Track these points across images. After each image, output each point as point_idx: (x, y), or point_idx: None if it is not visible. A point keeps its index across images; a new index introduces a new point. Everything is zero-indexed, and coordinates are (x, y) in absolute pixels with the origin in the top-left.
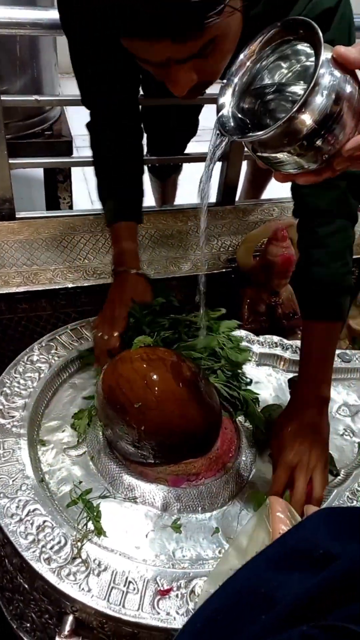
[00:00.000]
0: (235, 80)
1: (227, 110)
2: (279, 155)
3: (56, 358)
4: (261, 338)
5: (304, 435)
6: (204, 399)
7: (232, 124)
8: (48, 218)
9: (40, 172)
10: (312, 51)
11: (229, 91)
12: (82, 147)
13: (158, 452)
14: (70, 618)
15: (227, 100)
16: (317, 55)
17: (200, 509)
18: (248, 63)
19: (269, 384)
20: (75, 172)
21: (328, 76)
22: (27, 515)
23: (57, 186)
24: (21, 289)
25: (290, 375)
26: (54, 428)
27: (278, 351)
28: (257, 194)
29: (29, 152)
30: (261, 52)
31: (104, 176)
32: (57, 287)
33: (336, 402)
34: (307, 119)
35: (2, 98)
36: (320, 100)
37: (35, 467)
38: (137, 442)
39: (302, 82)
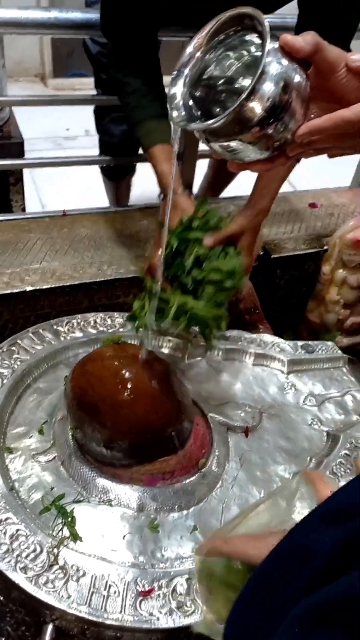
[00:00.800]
0: (186, 71)
1: (178, 101)
2: (232, 144)
3: (19, 363)
4: (226, 333)
5: None
6: (175, 396)
7: (183, 114)
8: (2, 221)
9: None
10: (260, 41)
11: (180, 82)
12: (35, 150)
13: (131, 451)
14: (50, 627)
15: (179, 90)
16: (264, 44)
17: (177, 507)
18: (198, 54)
19: (235, 378)
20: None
21: (276, 65)
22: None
23: (8, 189)
24: None
25: (258, 368)
26: (20, 434)
27: (243, 346)
28: (215, 194)
29: None
30: (210, 43)
31: (135, 103)
32: (15, 290)
33: (302, 393)
34: (256, 107)
35: None
36: (268, 88)
37: (4, 476)
38: (109, 442)
39: (251, 71)
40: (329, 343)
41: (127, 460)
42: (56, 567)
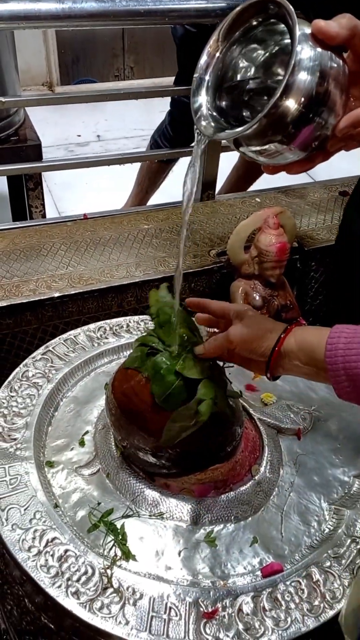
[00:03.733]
0: (207, 77)
1: (204, 110)
2: (266, 147)
3: (54, 371)
4: None
5: None
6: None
7: (212, 123)
8: (23, 228)
9: (1, 183)
10: (288, 30)
11: (203, 90)
12: (48, 158)
13: (180, 459)
14: None
15: (203, 100)
16: (293, 33)
17: (233, 518)
18: (217, 54)
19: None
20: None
21: (309, 54)
22: (45, 546)
23: (27, 195)
24: (3, 303)
25: None
26: (61, 447)
27: None
28: (245, 186)
29: None
30: (228, 40)
31: None
32: (42, 297)
33: None
34: (291, 105)
35: None
36: (303, 82)
37: (47, 492)
38: (157, 451)
39: (281, 65)
40: None
41: (177, 469)
42: (110, 590)
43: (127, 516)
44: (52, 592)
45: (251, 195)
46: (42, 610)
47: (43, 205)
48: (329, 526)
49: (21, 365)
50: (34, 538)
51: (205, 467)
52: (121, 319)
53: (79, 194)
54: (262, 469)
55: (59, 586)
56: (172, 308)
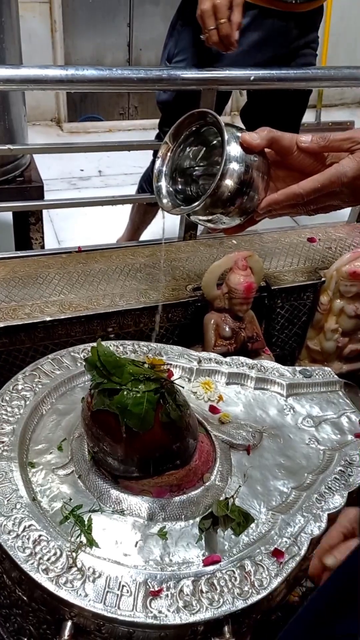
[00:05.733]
0: (164, 169)
1: (164, 192)
2: (211, 217)
3: (40, 386)
4: (228, 359)
5: None
6: (185, 413)
7: (169, 202)
8: (23, 257)
9: (7, 215)
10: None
11: (162, 177)
12: (51, 190)
13: (142, 466)
14: (69, 624)
15: (163, 184)
16: (223, 139)
17: (183, 516)
18: (169, 154)
19: (238, 400)
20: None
21: (237, 151)
22: (23, 531)
23: (29, 228)
24: (0, 324)
25: (259, 391)
26: (41, 451)
27: (245, 370)
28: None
29: (2, 197)
30: (176, 141)
31: None
32: (35, 321)
33: (301, 415)
34: (226, 188)
35: None
36: (232, 174)
37: (27, 487)
38: (122, 457)
39: (218, 160)
40: (326, 368)
41: (139, 474)
42: (74, 569)
43: (93, 511)
44: (26, 567)
45: (229, 237)
46: (17, 584)
47: (42, 237)
48: (265, 528)
49: (12, 379)
50: (13, 524)
51: (162, 472)
52: (103, 342)
53: (78, 224)
54: (212, 477)
55: (32, 563)
56: (115, 355)
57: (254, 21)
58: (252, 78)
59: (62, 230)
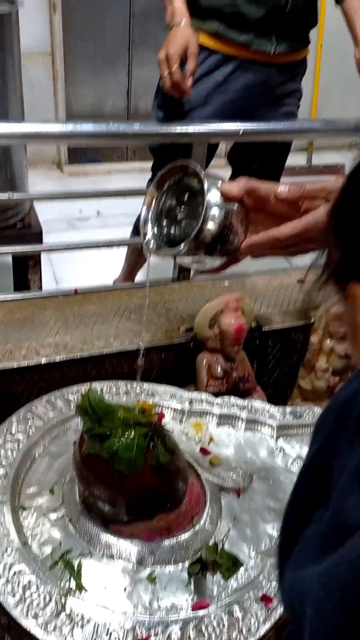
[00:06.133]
0: (149, 215)
1: (150, 236)
2: (195, 258)
3: (33, 429)
4: (219, 400)
5: None
6: (175, 457)
7: (155, 246)
8: (21, 300)
9: (7, 257)
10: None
11: (149, 224)
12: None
13: (131, 509)
14: None
15: (149, 228)
16: (203, 189)
17: (172, 560)
18: (154, 202)
19: (229, 442)
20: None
21: (217, 201)
22: (13, 575)
23: (27, 270)
24: None
25: (249, 433)
26: (34, 494)
27: (235, 411)
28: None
29: (2, 241)
30: (160, 190)
31: None
32: (30, 364)
33: (290, 456)
34: (207, 232)
35: None
36: (213, 220)
37: (18, 531)
38: (113, 501)
39: (200, 209)
40: (316, 408)
41: (128, 517)
42: (63, 614)
43: (83, 555)
44: (15, 613)
45: (222, 278)
46: (5, 630)
47: (40, 279)
48: (254, 572)
49: (6, 422)
50: (4, 569)
51: (152, 516)
52: (96, 383)
53: (76, 264)
54: (202, 520)
55: (21, 610)
56: (105, 400)
57: (236, 71)
58: (241, 132)
59: (61, 270)
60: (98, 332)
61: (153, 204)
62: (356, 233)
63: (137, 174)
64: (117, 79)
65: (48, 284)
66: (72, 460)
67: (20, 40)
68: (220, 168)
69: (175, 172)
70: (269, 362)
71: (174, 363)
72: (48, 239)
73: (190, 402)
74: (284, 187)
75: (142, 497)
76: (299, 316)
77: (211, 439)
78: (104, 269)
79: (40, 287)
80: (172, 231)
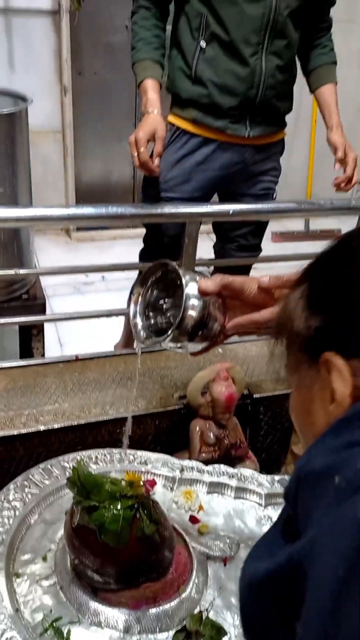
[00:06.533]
0: (138, 308)
1: (139, 326)
2: (180, 344)
3: (30, 496)
4: (210, 468)
5: None
6: (163, 528)
7: (143, 334)
8: (23, 367)
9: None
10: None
11: (138, 316)
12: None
13: (118, 578)
14: None
15: (137, 320)
16: (182, 284)
17: (158, 629)
18: (140, 297)
19: (218, 510)
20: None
21: (194, 291)
22: None
23: (31, 338)
24: None
25: (238, 501)
26: (27, 561)
27: (225, 479)
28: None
29: (8, 312)
30: (144, 286)
31: (139, 45)
32: (30, 430)
33: None
34: (189, 321)
35: None
36: (192, 310)
37: (11, 598)
38: (101, 570)
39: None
40: None
41: (116, 586)
42: None
43: (72, 622)
44: None
45: (213, 348)
46: None
47: (43, 347)
48: None
49: (4, 489)
50: None
51: (139, 584)
52: (92, 451)
53: (80, 327)
54: (188, 589)
55: None
56: (93, 475)
57: (215, 152)
58: (231, 212)
59: (65, 334)
60: (95, 399)
61: (139, 300)
62: (340, 301)
63: (139, 240)
64: (124, 152)
65: (53, 347)
66: (64, 529)
67: (29, 131)
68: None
69: (157, 269)
70: (261, 429)
71: (168, 429)
72: (54, 302)
73: (181, 470)
74: (264, 277)
75: (128, 566)
76: (289, 383)
77: (201, 507)
78: (106, 332)
79: (43, 354)
80: (158, 321)
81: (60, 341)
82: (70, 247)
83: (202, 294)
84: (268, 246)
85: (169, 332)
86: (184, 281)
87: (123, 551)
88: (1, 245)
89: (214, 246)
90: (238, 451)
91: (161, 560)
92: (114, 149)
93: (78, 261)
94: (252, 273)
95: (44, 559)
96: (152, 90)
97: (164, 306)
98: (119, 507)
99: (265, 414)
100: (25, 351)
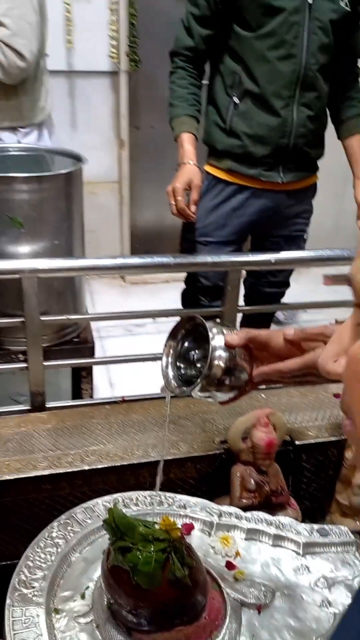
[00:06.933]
0: (169, 360)
1: (170, 377)
2: (209, 394)
3: (72, 534)
4: (248, 514)
5: None
6: (196, 572)
7: (174, 384)
8: (72, 407)
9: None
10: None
11: (169, 367)
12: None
13: (152, 620)
14: None
15: (169, 371)
16: (207, 338)
17: None
18: (171, 350)
19: (255, 557)
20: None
21: (221, 343)
22: None
23: (80, 380)
24: (46, 472)
25: (276, 548)
26: (67, 597)
27: (263, 527)
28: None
29: (60, 355)
30: (175, 339)
31: (176, 102)
32: (75, 469)
33: (315, 575)
34: (216, 371)
35: (42, 318)
36: (219, 356)
37: (50, 633)
38: (134, 611)
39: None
40: (343, 527)
41: (149, 627)
42: None
43: None
44: None
45: (259, 390)
46: None
47: (92, 388)
48: None
49: (48, 527)
50: None
51: (171, 627)
52: (132, 493)
53: (130, 369)
54: (221, 635)
55: None
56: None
57: (250, 198)
58: (273, 261)
59: (116, 374)
60: (138, 440)
61: (170, 352)
62: None
63: None
64: None
65: (104, 388)
66: (100, 568)
67: (88, 182)
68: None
69: (186, 322)
70: (304, 476)
71: (209, 474)
72: (107, 344)
73: (220, 515)
74: (290, 330)
75: (161, 608)
76: (333, 431)
77: (237, 553)
78: (155, 374)
79: (92, 396)
80: (188, 371)
81: (111, 382)
82: (124, 290)
83: (228, 347)
84: (320, 289)
85: (197, 382)
86: (210, 334)
87: (156, 593)
88: (55, 293)
89: (244, 282)
90: (279, 498)
91: (194, 604)
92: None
93: (131, 303)
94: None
95: (82, 596)
96: (187, 143)
97: (194, 357)
98: (152, 549)
99: (308, 461)
100: (77, 392)
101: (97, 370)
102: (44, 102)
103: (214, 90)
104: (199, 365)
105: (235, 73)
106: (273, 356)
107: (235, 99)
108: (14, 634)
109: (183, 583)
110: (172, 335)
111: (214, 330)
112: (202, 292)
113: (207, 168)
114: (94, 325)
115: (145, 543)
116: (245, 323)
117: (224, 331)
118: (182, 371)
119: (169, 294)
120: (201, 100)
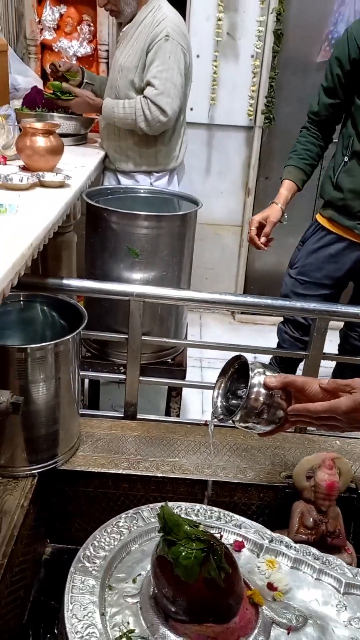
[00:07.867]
0: (220, 392)
1: (220, 408)
2: (249, 424)
3: (135, 527)
4: (298, 545)
5: None
6: (231, 579)
7: (220, 413)
8: (158, 422)
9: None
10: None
11: (218, 398)
12: (208, 368)
13: (185, 611)
14: None
15: (218, 403)
16: (248, 375)
17: None
18: (222, 385)
19: (297, 585)
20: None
21: (260, 380)
22: (87, 635)
23: (170, 399)
24: (125, 472)
25: (319, 582)
26: (121, 579)
27: (310, 559)
28: None
29: (155, 373)
30: (224, 377)
31: (291, 155)
32: (150, 474)
33: (351, 614)
34: (254, 406)
35: (143, 337)
36: (257, 392)
37: (101, 604)
38: (171, 599)
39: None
40: None
41: (183, 617)
42: None
43: (142, 638)
44: None
45: (334, 436)
46: None
47: (179, 407)
48: None
49: (117, 516)
50: (82, 627)
51: (202, 621)
52: (197, 505)
53: None
54: None
55: None
56: (175, 515)
57: (346, 249)
58: None
59: (209, 400)
60: (210, 461)
61: (221, 386)
62: None
63: None
64: (293, 245)
65: (195, 411)
66: (151, 558)
67: (196, 228)
68: None
69: (235, 361)
70: None
71: (271, 504)
72: (207, 373)
73: (271, 541)
74: (324, 380)
75: (195, 602)
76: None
77: (280, 579)
78: None
79: (179, 415)
80: (235, 404)
81: (203, 408)
82: (232, 327)
83: (266, 387)
84: None
85: (237, 412)
86: (251, 373)
87: (192, 587)
88: (158, 317)
89: (340, 330)
90: (334, 540)
91: (226, 606)
92: (287, 243)
93: (236, 340)
94: None
95: (134, 581)
96: (283, 188)
97: (240, 392)
98: (193, 546)
99: None
100: (168, 410)
101: (192, 395)
102: (177, 152)
103: (335, 151)
104: (242, 399)
105: (350, 137)
106: (309, 400)
107: (346, 158)
108: (71, 596)
109: (217, 584)
110: (223, 371)
111: (256, 370)
112: (294, 324)
113: (317, 216)
114: (198, 354)
115: (188, 540)
116: (337, 373)
117: (266, 372)
118: (230, 402)
119: (274, 334)
120: (316, 157)
